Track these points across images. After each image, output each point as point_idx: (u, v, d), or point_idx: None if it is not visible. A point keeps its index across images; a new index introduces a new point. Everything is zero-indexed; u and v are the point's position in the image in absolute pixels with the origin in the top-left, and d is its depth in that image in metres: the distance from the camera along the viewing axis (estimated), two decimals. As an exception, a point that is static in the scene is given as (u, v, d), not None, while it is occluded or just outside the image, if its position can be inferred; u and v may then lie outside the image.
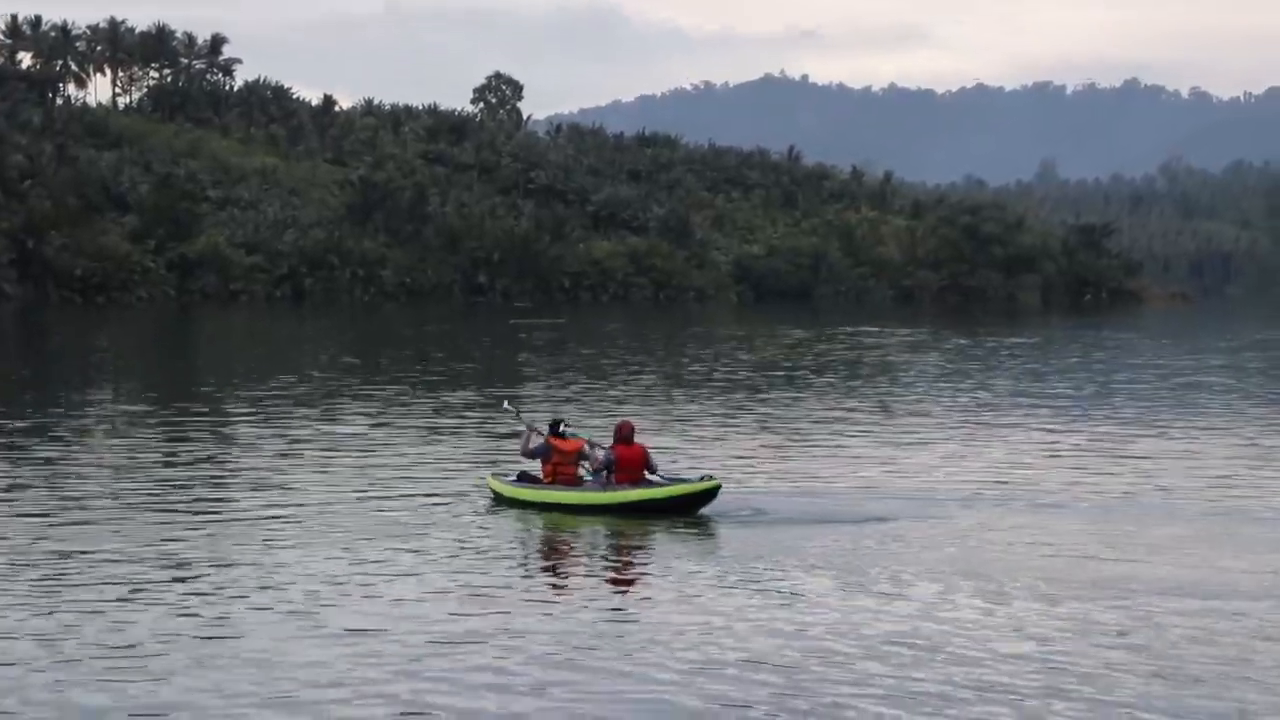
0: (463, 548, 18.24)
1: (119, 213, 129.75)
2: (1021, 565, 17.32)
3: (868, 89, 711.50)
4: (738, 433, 31.81)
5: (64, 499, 21.54)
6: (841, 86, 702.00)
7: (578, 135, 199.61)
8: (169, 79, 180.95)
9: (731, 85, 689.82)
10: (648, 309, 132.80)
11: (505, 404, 23.87)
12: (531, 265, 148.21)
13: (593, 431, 23.80)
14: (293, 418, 33.63)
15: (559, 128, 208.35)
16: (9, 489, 22.48)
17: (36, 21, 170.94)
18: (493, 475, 22.33)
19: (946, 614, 14.86)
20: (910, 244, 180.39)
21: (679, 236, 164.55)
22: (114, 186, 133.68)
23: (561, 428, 21.77)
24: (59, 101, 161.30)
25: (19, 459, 25.95)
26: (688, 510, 20.51)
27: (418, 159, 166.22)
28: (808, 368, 54.56)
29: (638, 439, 21.23)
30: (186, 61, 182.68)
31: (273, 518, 20.24)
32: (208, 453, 27.29)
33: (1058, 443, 30.12)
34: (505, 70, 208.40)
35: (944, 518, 20.50)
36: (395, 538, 18.70)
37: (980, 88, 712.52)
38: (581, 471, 21.39)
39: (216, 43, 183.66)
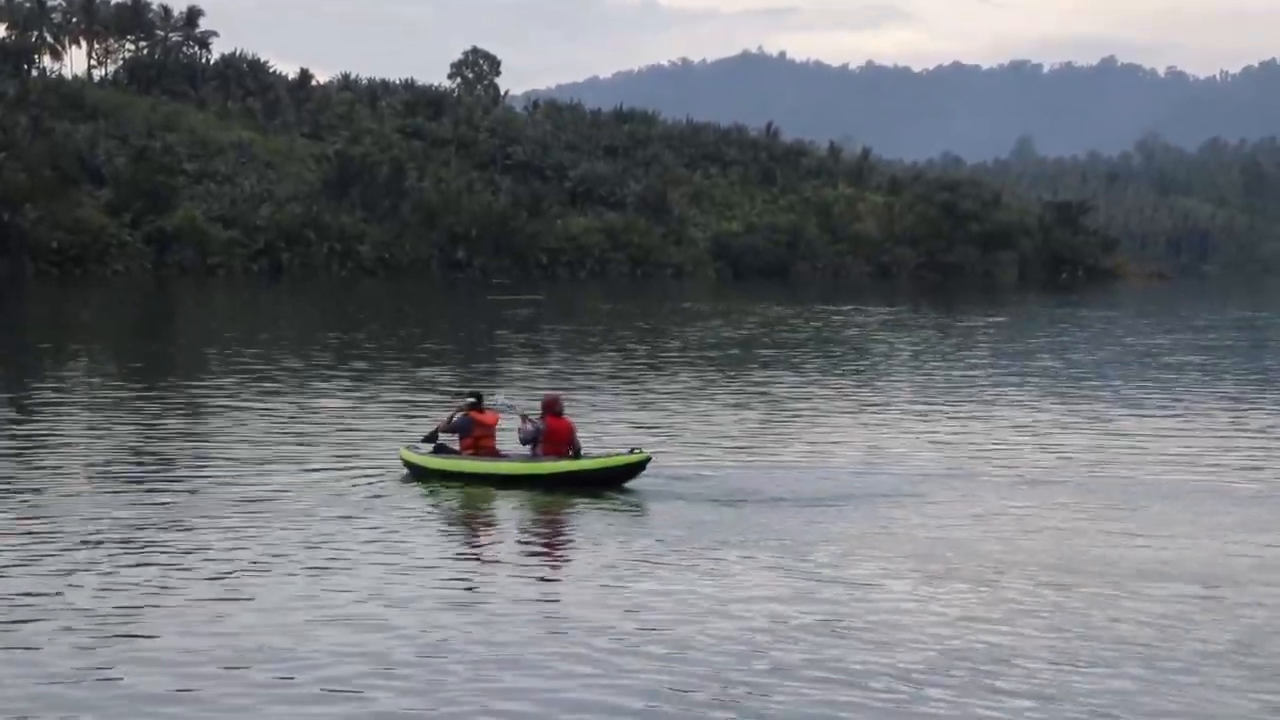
0: (381, 524, 18.02)
1: (95, 185, 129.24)
2: (980, 543, 17.28)
3: (845, 66, 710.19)
4: (709, 408, 31.83)
5: (28, 469, 21.57)
6: (819, 64, 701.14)
7: (555, 111, 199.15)
8: (145, 51, 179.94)
9: (709, 62, 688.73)
10: (625, 285, 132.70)
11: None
12: (509, 241, 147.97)
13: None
14: (245, 393, 33.46)
15: (536, 103, 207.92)
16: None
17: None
18: (405, 447, 22.18)
19: (886, 594, 14.86)
20: (888, 220, 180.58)
21: (656, 213, 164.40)
22: (90, 159, 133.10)
23: (485, 401, 21.90)
24: (34, 73, 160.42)
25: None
26: (617, 483, 20.40)
27: (395, 134, 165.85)
28: (785, 344, 54.62)
29: (578, 415, 20.98)
30: (162, 34, 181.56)
31: (189, 491, 20.22)
32: (178, 427, 27.30)
33: (1034, 421, 30.20)
34: (483, 45, 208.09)
35: (910, 495, 20.45)
36: (311, 514, 18.52)
37: (957, 66, 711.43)
38: (497, 443, 21.48)
39: (193, 15, 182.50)
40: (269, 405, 30.76)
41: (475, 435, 21.43)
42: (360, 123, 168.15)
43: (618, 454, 20.81)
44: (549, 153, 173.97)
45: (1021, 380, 40.28)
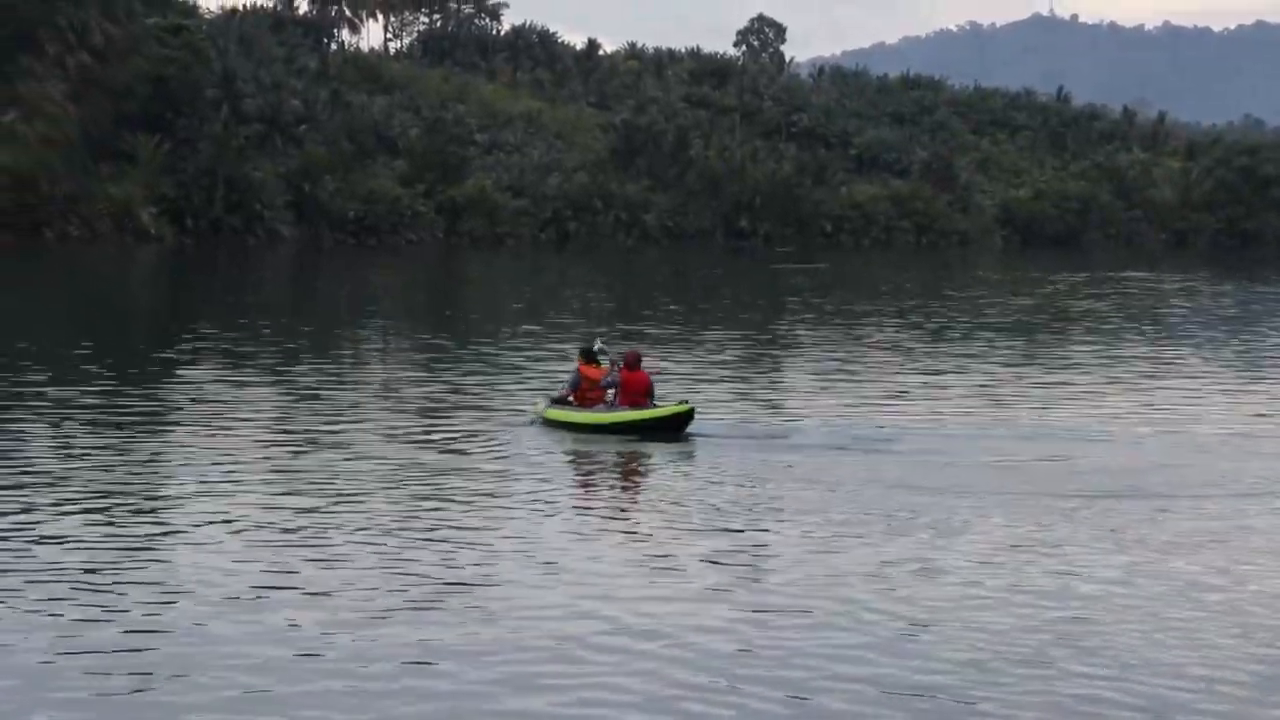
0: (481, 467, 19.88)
1: (390, 157, 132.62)
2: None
3: (1140, 27, 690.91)
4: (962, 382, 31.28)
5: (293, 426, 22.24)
6: (1113, 25, 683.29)
7: (840, 78, 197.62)
8: (438, 24, 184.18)
9: (999, 25, 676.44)
10: (909, 253, 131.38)
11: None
12: (793, 209, 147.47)
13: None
14: (468, 358, 34.01)
15: (821, 70, 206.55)
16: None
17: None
18: (541, 402, 24.40)
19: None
20: (1184, 186, 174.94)
21: (942, 180, 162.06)
22: (385, 131, 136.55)
23: (597, 348, 24.27)
24: (333, 47, 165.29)
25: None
26: (669, 431, 22.33)
27: (680, 102, 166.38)
28: (1074, 315, 53.39)
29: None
30: (455, 6, 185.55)
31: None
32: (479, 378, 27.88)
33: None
34: (769, 13, 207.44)
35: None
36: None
37: (1260, 24, 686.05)
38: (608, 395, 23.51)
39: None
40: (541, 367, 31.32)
41: (583, 388, 23.73)
42: (646, 91, 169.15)
43: (669, 405, 22.87)
44: (834, 120, 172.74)
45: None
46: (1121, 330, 46.79)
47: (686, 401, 22.98)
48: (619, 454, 21.41)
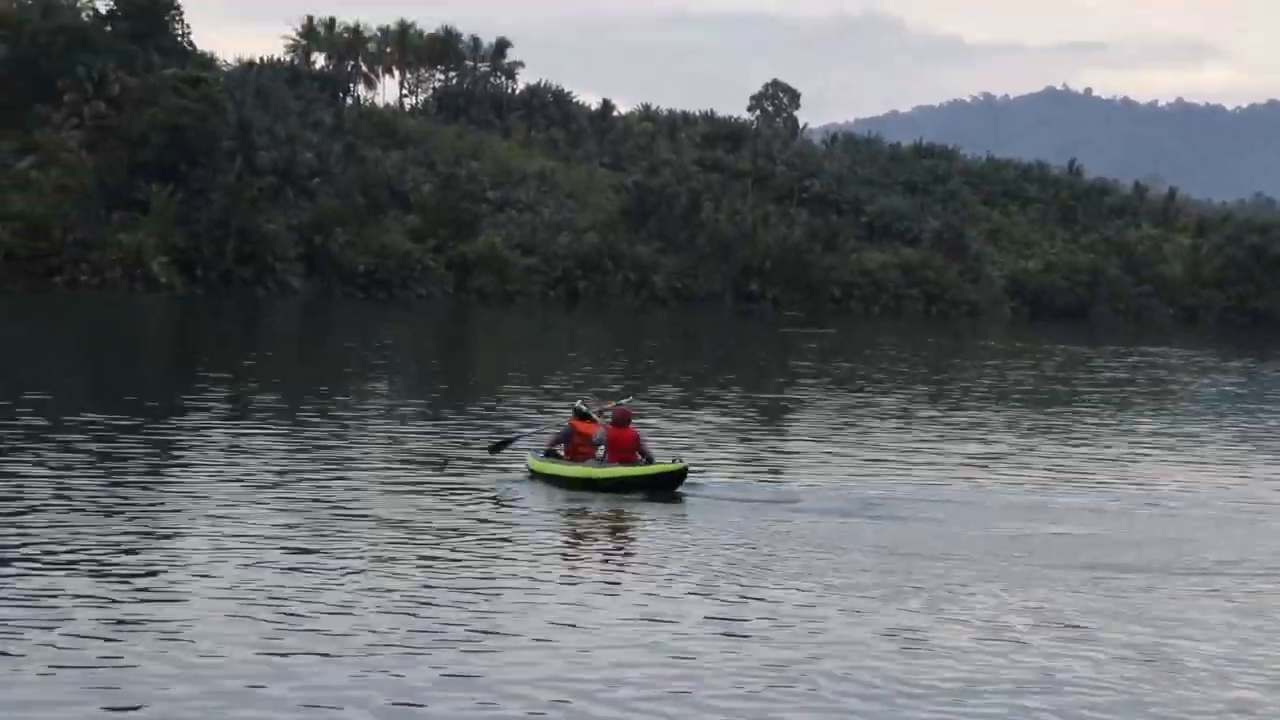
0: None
1: (402, 211, 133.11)
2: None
3: (1154, 103, 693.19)
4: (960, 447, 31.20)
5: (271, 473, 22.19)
6: (1127, 100, 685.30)
7: (853, 145, 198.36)
8: (454, 81, 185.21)
9: (1012, 97, 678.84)
10: (919, 322, 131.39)
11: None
12: (803, 274, 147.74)
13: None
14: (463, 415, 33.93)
15: (835, 137, 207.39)
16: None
17: (331, 23, 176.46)
18: (531, 455, 24.37)
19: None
20: (1194, 263, 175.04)
21: (953, 249, 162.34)
22: (398, 186, 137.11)
23: (583, 409, 24.35)
24: (349, 102, 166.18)
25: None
26: (662, 489, 22.36)
27: (693, 165, 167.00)
28: (1083, 388, 53.30)
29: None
30: (471, 64, 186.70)
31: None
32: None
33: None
34: (783, 78, 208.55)
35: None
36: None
37: (1273, 104, 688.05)
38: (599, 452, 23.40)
39: (501, 46, 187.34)
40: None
41: (575, 443, 23.85)
42: (659, 153, 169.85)
43: (662, 464, 22.90)
44: (846, 186, 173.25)
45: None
46: (1129, 404, 46.70)
47: (680, 460, 23.11)
48: (610, 511, 21.40)
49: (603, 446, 23.39)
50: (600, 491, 22.52)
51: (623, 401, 25.49)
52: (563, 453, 23.92)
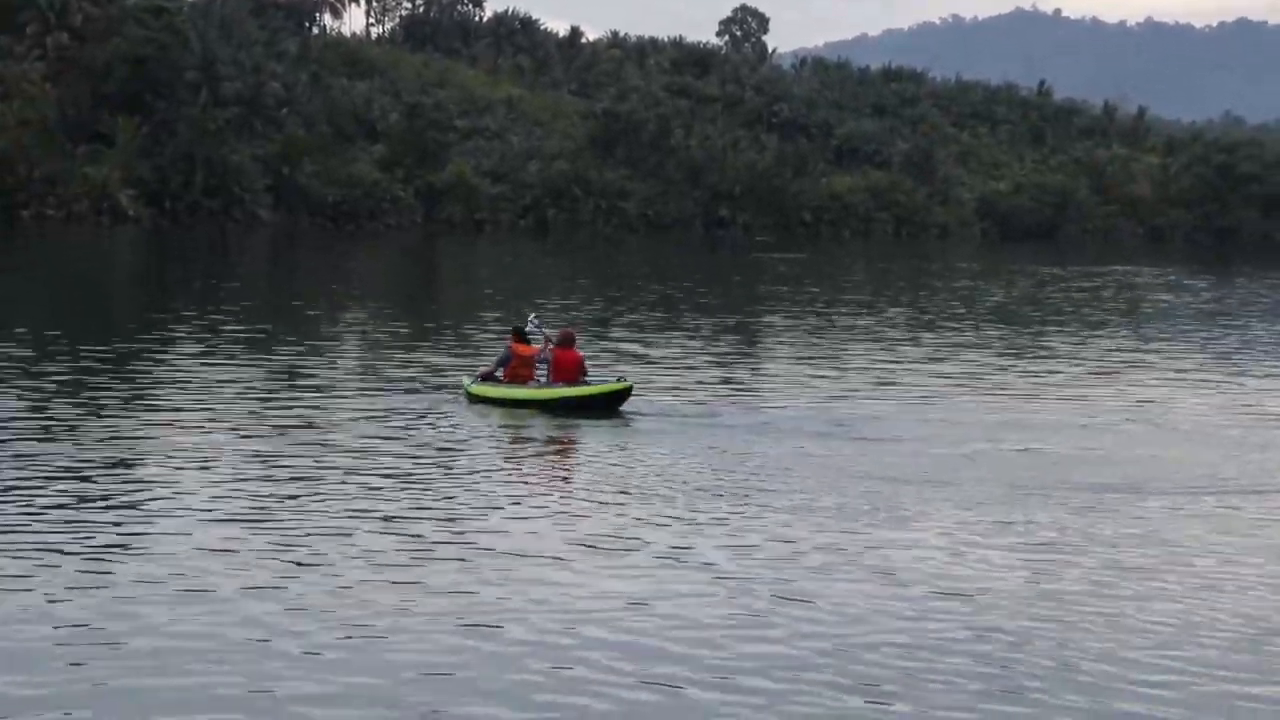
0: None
1: (369, 141, 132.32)
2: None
3: (1123, 23, 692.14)
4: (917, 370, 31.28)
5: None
6: (1095, 20, 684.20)
7: (822, 69, 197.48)
8: (420, 9, 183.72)
9: (981, 19, 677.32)
10: (888, 245, 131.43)
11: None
12: (773, 199, 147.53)
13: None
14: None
15: (803, 61, 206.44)
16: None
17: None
18: (468, 379, 24.30)
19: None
20: (1162, 182, 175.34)
21: (922, 172, 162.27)
22: (365, 115, 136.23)
23: (529, 327, 24.20)
24: (315, 31, 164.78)
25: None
26: (605, 408, 22.32)
27: (662, 91, 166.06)
28: (1054, 306, 53.40)
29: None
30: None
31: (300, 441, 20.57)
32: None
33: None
34: (751, 3, 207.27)
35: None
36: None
37: (1242, 23, 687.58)
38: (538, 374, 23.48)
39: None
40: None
41: (513, 365, 23.71)
42: (627, 80, 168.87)
43: (607, 382, 22.98)
44: (815, 111, 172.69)
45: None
46: (1100, 322, 46.84)
47: (624, 378, 23.02)
48: (554, 432, 21.27)
49: (545, 366, 23.19)
50: (545, 413, 22.32)
51: (533, 320, 24.89)
52: (501, 376, 23.71)
